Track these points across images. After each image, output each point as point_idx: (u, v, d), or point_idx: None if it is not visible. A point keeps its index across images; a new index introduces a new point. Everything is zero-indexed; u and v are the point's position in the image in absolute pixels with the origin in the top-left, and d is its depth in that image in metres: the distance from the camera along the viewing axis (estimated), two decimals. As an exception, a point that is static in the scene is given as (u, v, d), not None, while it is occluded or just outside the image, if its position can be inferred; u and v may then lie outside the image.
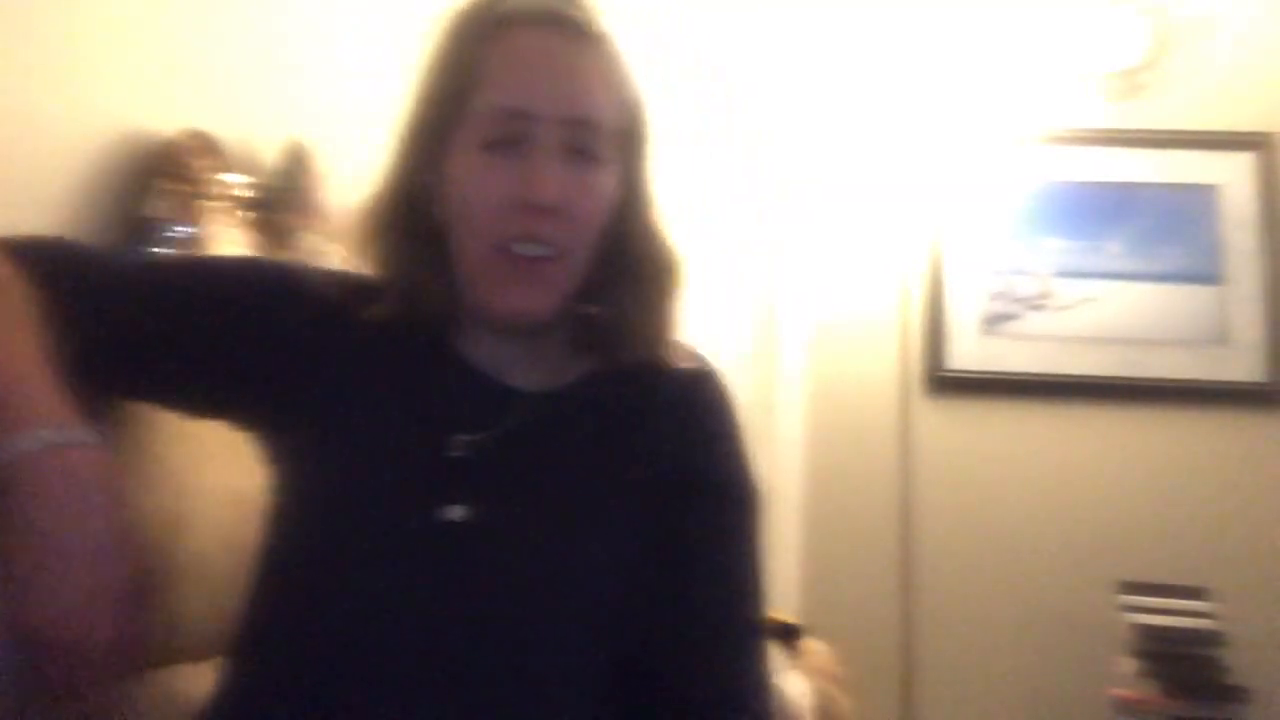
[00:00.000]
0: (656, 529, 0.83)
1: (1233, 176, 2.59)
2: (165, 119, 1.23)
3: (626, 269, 0.87)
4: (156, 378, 0.86)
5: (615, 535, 0.83)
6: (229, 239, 1.25)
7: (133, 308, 0.84)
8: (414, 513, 0.80)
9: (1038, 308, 2.59)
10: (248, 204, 1.33)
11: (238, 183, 1.31)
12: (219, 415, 0.90)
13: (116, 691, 0.69)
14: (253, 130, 1.40)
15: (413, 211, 0.85)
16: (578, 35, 0.83)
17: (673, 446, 0.87)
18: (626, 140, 0.87)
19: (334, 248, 1.30)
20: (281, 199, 1.40)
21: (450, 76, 0.84)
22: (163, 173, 1.19)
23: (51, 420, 0.71)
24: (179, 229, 1.18)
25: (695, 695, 0.81)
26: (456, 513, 0.80)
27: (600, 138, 0.83)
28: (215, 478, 0.99)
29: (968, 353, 2.59)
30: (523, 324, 0.85)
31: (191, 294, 0.86)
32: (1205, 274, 2.56)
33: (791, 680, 1.63)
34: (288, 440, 0.86)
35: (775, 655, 1.69)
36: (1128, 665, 2.16)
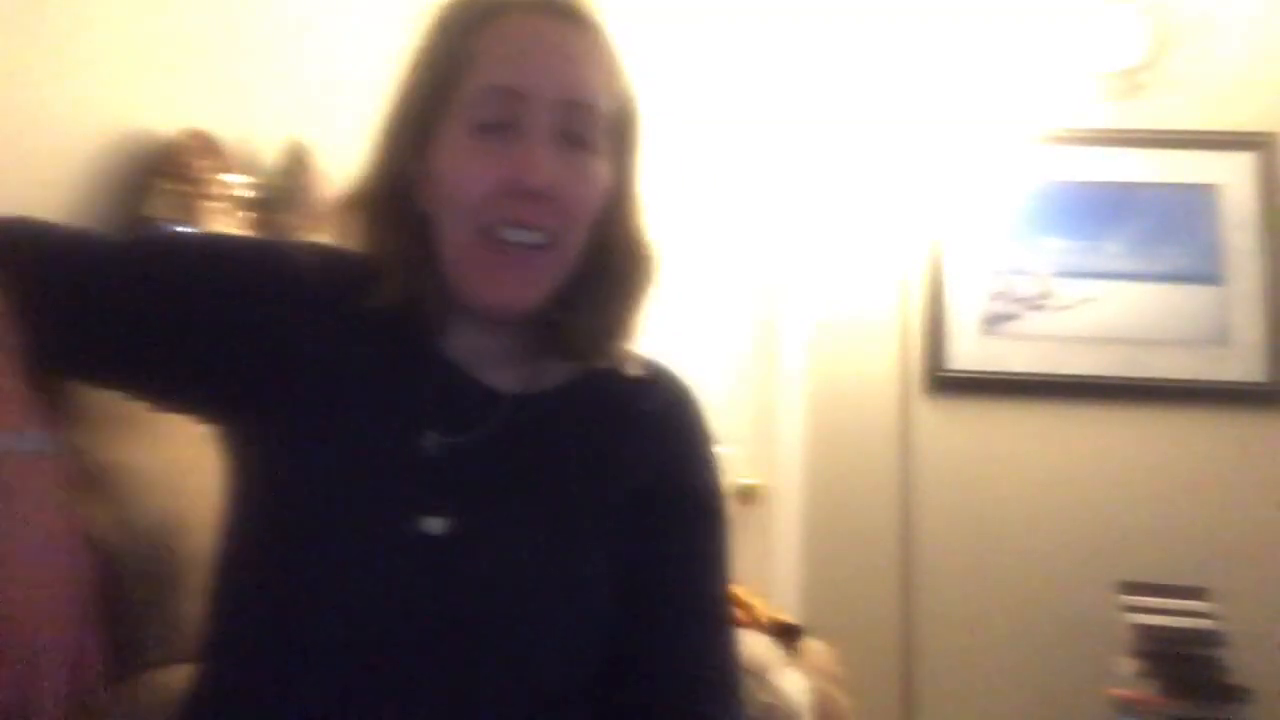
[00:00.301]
0: (632, 539, 0.83)
1: (1233, 176, 2.59)
2: (165, 119, 1.24)
3: (605, 268, 0.86)
4: (119, 362, 0.83)
5: (593, 547, 0.82)
6: (229, 239, 1.25)
7: (98, 289, 0.81)
8: (391, 520, 0.78)
9: (1038, 308, 2.59)
10: (248, 204, 1.33)
11: (238, 183, 1.31)
12: (186, 405, 0.87)
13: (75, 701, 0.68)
14: (253, 130, 1.40)
15: (398, 201, 0.83)
16: (572, 21, 0.82)
17: (651, 459, 0.87)
18: (618, 133, 0.85)
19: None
20: (281, 199, 1.41)
21: (440, 63, 0.82)
22: (163, 173, 1.19)
23: (8, 426, 0.71)
24: (179, 228, 1.18)
25: (669, 681, 0.82)
26: (435, 525, 0.78)
27: (594, 124, 0.81)
28: (213, 478, 0.99)
29: (968, 353, 2.59)
30: (509, 315, 0.83)
31: (161, 275, 0.83)
32: (1205, 274, 2.57)
33: (791, 680, 1.63)
34: (257, 431, 0.82)
35: (775, 655, 1.69)
36: (1128, 665, 2.16)
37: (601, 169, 0.83)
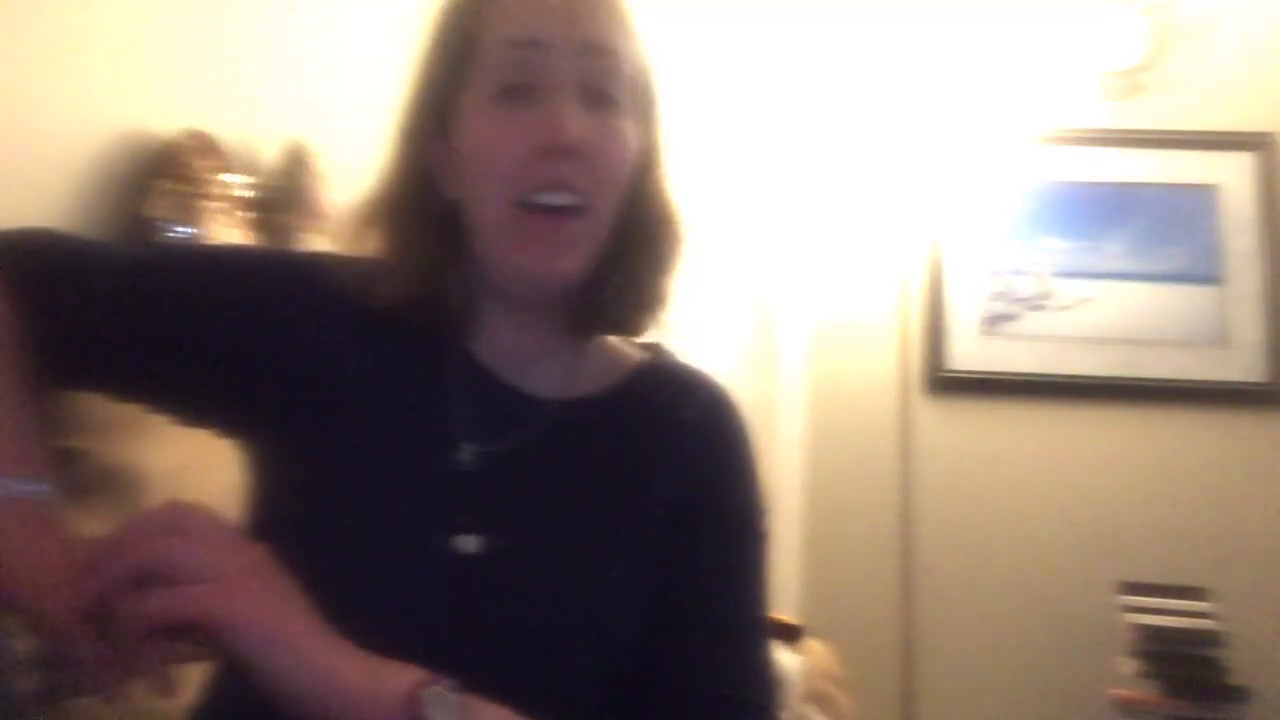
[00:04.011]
0: (667, 552, 0.80)
1: (1233, 176, 2.59)
2: (165, 119, 1.23)
3: (634, 238, 0.83)
4: (143, 377, 0.82)
5: (629, 563, 0.79)
6: (229, 239, 1.25)
7: (122, 304, 0.80)
8: (423, 540, 0.76)
9: (1038, 308, 2.59)
10: (248, 204, 1.33)
11: (238, 183, 1.31)
12: (211, 420, 0.85)
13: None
14: (253, 130, 1.40)
15: (421, 195, 0.81)
16: None
17: (687, 471, 0.83)
18: (641, 94, 0.82)
19: (334, 247, 1.29)
20: (281, 199, 1.40)
21: (454, 37, 0.80)
22: (163, 173, 1.19)
23: (7, 470, 0.72)
24: (179, 229, 1.18)
25: (701, 700, 0.77)
26: (468, 544, 0.76)
27: (619, 75, 0.78)
28: (214, 478, 0.99)
29: (968, 353, 2.59)
30: (547, 286, 0.80)
31: (184, 290, 0.81)
32: (1205, 274, 2.56)
33: (792, 680, 1.63)
34: (284, 447, 0.80)
35: (775, 655, 1.69)
36: (1128, 665, 2.16)
37: (630, 129, 0.80)
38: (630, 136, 0.80)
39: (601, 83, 0.78)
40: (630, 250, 0.83)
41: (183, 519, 0.65)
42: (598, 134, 0.77)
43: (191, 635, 0.63)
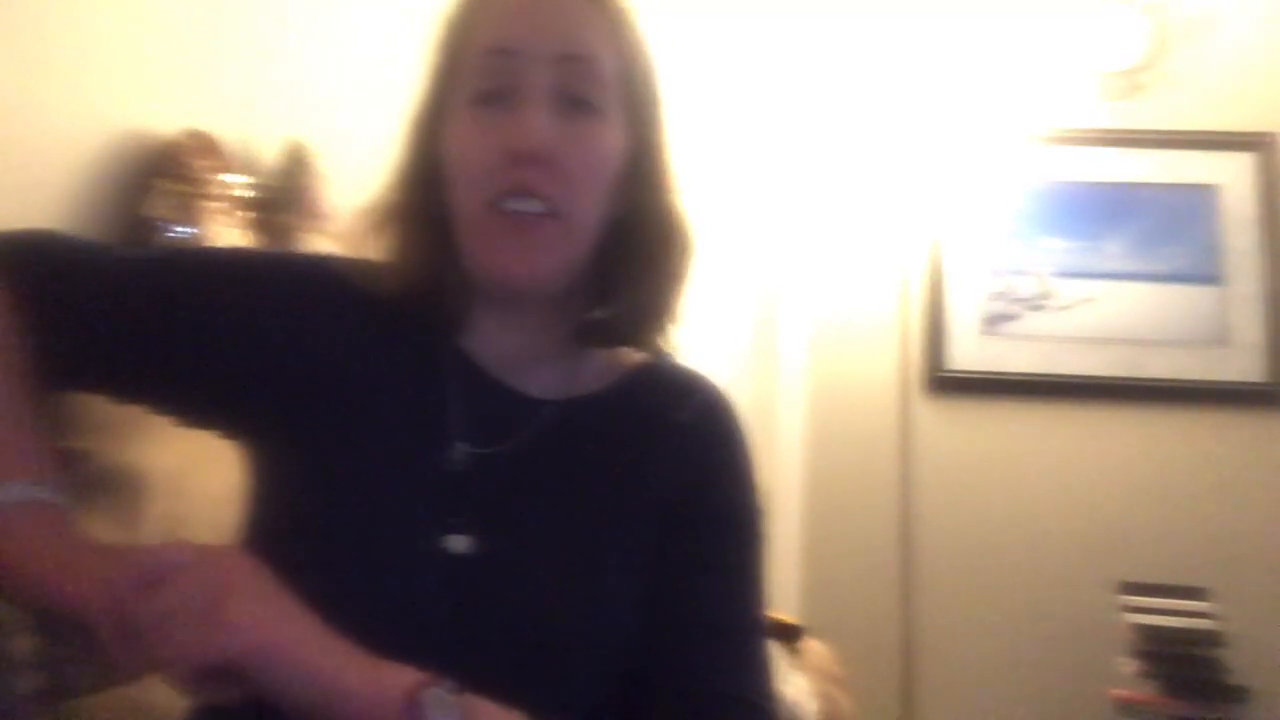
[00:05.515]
0: (661, 554, 0.80)
1: (1233, 176, 2.59)
2: (165, 119, 1.23)
3: (635, 246, 0.82)
4: (144, 379, 0.82)
5: (622, 565, 0.79)
6: (229, 239, 1.25)
7: (122, 306, 0.80)
8: (414, 539, 0.76)
9: (1038, 308, 2.59)
10: (248, 204, 1.33)
11: (238, 183, 1.31)
12: (210, 420, 0.86)
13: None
14: (253, 130, 1.40)
15: (422, 195, 0.82)
16: None
17: (682, 472, 0.83)
18: (633, 95, 0.81)
19: (334, 247, 1.29)
20: (281, 199, 1.40)
21: (445, 46, 0.82)
22: (163, 173, 1.19)
23: (18, 477, 0.72)
24: (179, 229, 1.18)
25: (699, 696, 0.77)
26: (460, 544, 0.76)
27: (597, 81, 0.78)
28: (214, 478, 0.99)
29: (968, 353, 2.59)
30: (518, 289, 0.80)
31: (184, 291, 0.82)
32: (1205, 274, 2.56)
33: (792, 680, 1.63)
34: (281, 446, 0.80)
35: (775, 655, 1.69)
36: (1128, 665, 2.16)
37: (611, 134, 0.80)
38: (609, 140, 0.80)
39: (577, 88, 0.78)
40: (634, 262, 0.82)
41: (170, 546, 0.66)
42: (568, 139, 0.77)
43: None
